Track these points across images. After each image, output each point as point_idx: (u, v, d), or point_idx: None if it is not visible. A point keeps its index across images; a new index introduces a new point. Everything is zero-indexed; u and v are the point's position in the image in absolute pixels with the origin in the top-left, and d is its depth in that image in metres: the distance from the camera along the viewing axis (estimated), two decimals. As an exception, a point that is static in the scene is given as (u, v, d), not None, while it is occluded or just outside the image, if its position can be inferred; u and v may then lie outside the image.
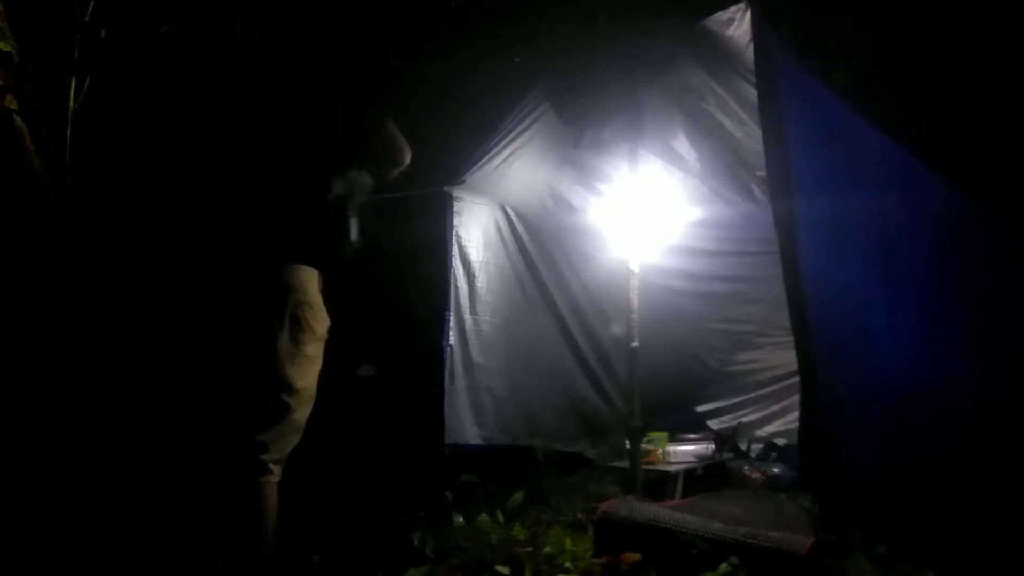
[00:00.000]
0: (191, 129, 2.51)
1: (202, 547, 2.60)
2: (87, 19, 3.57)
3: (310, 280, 2.41)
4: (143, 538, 2.62)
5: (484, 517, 3.28)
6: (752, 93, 3.52)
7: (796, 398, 3.40)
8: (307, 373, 2.41)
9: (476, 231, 4.45)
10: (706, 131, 4.26)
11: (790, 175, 3.06)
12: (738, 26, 3.47)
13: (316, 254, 2.43)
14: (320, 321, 2.43)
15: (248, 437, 2.36)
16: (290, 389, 2.37)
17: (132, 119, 3.55)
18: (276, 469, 2.40)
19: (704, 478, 4.16)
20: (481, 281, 4.44)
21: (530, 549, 2.95)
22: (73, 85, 3.63)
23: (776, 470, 4.09)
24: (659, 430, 4.24)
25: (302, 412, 2.43)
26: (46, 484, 3.00)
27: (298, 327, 2.37)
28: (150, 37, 3.53)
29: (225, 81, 2.48)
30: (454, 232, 4.34)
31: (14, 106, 3.47)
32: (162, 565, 2.61)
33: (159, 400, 2.58)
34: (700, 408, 5.26)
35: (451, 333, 4.25)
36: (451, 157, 4.40)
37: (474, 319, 4.39)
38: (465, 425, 4.26)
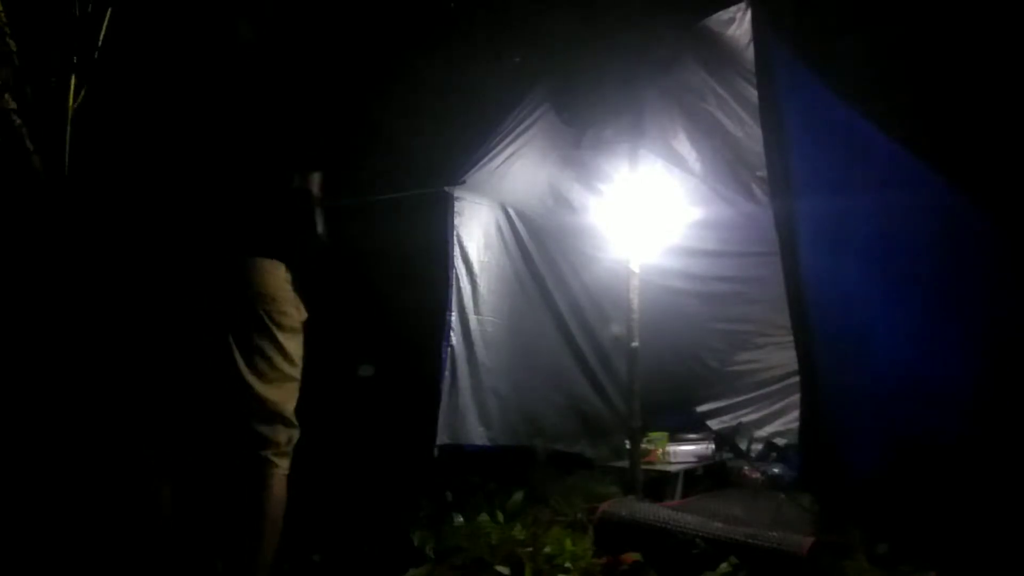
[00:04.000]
0: (186, 128, 2.50)
1: (204, 542, 2.59)
2: (86, 17, 3.58)
3: (271, 273, 2.38)
4: (143, 536, 2.60)
5: (484, 517, 3.28)
6: (752, 93, 3.51)
7: (796, 398, 3.40)
8: (280, 364, 2.38)
9: (477, 231, 4.45)
10: (706, 131, 4.26)
11: (790, 175, 3.06)
12: (738, 26, 3.47)
13: (279, 247, 2.40)
14: (285, 314, 2.39)
15: (242, 433, 2.34)
16: (265, 379, 2.35)
17: (132, 119, 3.55)
18: (280, 462, 2.37)
19: (704, 478, 4.16)
20: (483, 281, 4.44)
21: (530, 549, 2.95)
22: (73, 85, 3.64)
23: (776, 470, 4.09)
24: (659, 430, 4.23)
25: (284, 403, 2.40)
26: (44, 483, 3.00)
27: (261, 320, 2.34)
28: (149, 36, 3.54)
29: (210, 76, 2.47)
30: (455, 232, 4.34)
31: (13, 105, 3.48)
32: (162, 562, 2.60)
33: (151, 397, 2.56)
34: (700, 408, 5.26)
35: (453, 334, 4.25)
36: (452, 157, 4.40)
37: (478, 319, 4.39)
38: (471, 426, 4.26)
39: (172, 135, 2.56)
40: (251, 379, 2.33)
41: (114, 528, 2.67)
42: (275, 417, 2.37)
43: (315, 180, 2.50)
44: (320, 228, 2.44)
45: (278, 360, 2.38)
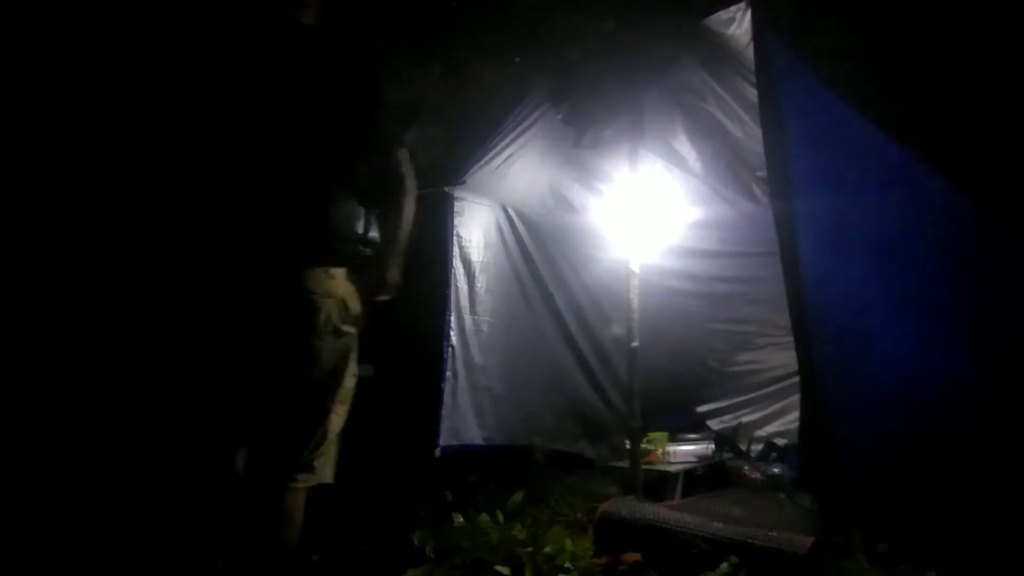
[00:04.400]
0: (199, 127, 2.44)
1: (208, 549, 2.57)
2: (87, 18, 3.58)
3: (305, 274, 2.23)
4: (149, 541, 2.60)
5: (484, 517, 3.28)
6: (752, 93, 3.51)
7: (796, 398, 3.40)
8: (308, 368, 2.24)
9: (477, 231, 4.45)
10: (706, 131, 4.26)
11: (790, 175, 3.06)
12: (738, 26, 3.46)
13: (305, 247, 2.25)
14: (321, 316, 2.24)
15: (271, 443, 2.23)
16: (294, 383, 2.23)
17: (136, 118, 3.55)
18: (298, 476, 2.23)
19: (704, 478, 4.16)
20: (481, 281, 4.44)
21: (530, 549, 2.95)
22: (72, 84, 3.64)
23: (776, 470, 4.09)
24: (659, 430, 4.23)
25: (311, 410, 2.26)
26: (50, 484, 3.00)
27: (285, 323, 2.22)
28: (153, 35, 3.54)
29: (229, 78, 2.42)
30: (455, 232, 4.34)
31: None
32: (165, 566, 2.60)
33: (177, 402, 2.52)
34: (700, 408, 5.26)
35: (452, 334, 4.25)
36: (452, 157, 4.41)
37: (474, 319, 4.40)
38: (468, 426, 4.27)
39: (186, 136, 2.52)
40: (273, 385, 2.21)
41: (114, 527, 2.67)
42: (298, 426, 2.24)
43: (403, 157, 2.37)
44: (334, 223, 2.27)
45: (305, 363, 2.24)
